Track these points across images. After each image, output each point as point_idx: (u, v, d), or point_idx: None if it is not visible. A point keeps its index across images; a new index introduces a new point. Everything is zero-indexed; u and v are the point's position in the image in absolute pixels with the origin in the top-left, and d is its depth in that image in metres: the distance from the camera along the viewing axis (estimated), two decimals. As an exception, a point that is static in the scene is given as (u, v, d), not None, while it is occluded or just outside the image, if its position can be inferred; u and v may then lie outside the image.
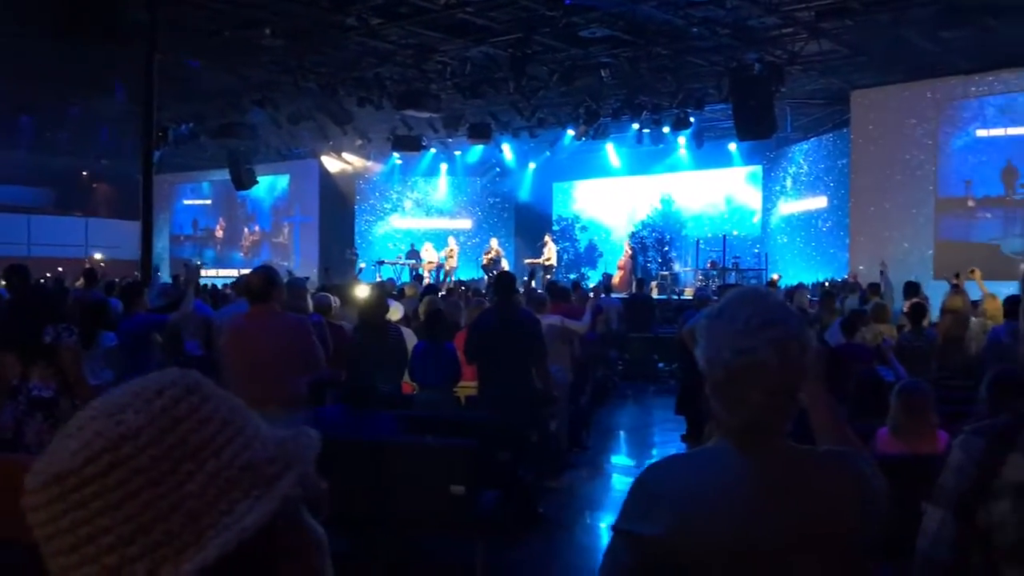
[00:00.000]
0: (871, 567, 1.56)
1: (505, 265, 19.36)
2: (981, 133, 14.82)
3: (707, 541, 1.50)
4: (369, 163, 24.38)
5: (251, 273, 4.92)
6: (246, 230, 26.88)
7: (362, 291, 8.50)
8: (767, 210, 21.68)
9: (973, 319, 8.92)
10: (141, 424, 0.73)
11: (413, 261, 21.21)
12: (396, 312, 7.84)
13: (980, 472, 1.41)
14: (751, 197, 22.39)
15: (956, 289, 9.38)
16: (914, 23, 11.85)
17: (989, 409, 3.71)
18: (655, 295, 17.46)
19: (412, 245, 22.29)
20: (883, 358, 6.90)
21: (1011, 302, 6.79)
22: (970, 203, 14.92)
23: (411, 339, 6.96)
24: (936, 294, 11.28)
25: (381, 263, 20.94)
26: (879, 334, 7.90)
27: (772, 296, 1.66)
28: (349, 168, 24.43)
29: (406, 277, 19.63)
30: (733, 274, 18.41)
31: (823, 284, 14.65)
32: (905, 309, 8.87)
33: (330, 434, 3.43)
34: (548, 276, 18.32)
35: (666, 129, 17.62)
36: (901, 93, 15.53)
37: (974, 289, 9.40)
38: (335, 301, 7.49)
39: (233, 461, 0.75)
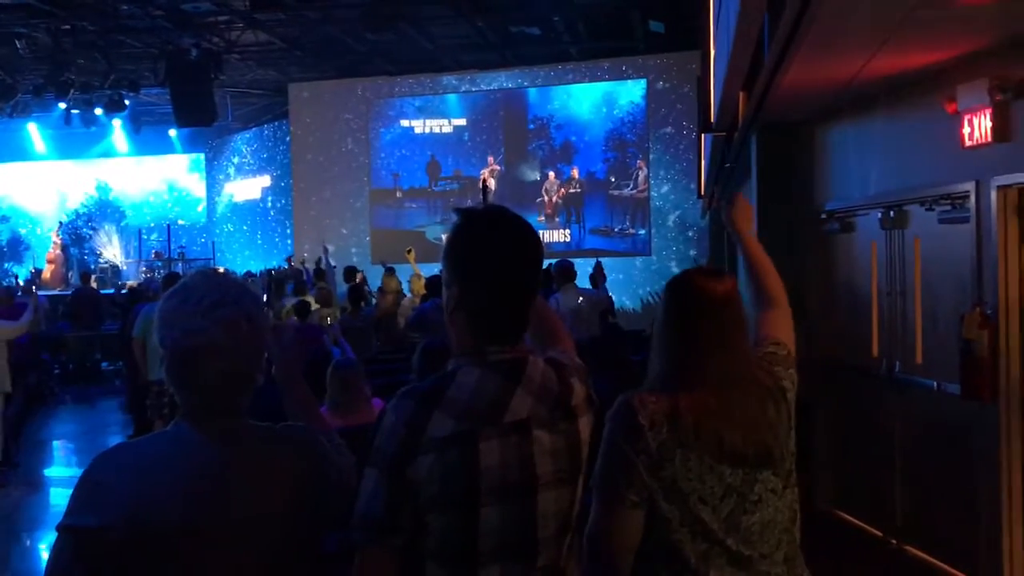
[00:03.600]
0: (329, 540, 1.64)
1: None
2: (406, 128, 16.43)
3: (155, 524, 1.46)
4: None
5: None
6: None
7: None
8: (212, 198, 21.36)
9: (405, 297, 9.92)
10: None
11: None
12: None
13: (408, 431, 1.50)
14: (195, 185, 21.86)
15: (390, 272, 10.31)
16: (341, 22, 12.61)
17: (420, 376, 4.14)
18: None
19: None
20: (333, 339, 7.43)
21: (432, 281, 7.67)
22: (398, 194, 16.48)
23: None
24: (374, 277, 12.28)
25: None
26: (324, 317, 8.39)
27: (227, 277, 1.65)
28: None
29: None
30: (180, 264, 17.85)
31: (270, 272, 14.93)
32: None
33: None
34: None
35: (98, 111, 16.27)
36: (335, 88, 16.49)
37: (406, 271, 10.44)
38: None
39: None
